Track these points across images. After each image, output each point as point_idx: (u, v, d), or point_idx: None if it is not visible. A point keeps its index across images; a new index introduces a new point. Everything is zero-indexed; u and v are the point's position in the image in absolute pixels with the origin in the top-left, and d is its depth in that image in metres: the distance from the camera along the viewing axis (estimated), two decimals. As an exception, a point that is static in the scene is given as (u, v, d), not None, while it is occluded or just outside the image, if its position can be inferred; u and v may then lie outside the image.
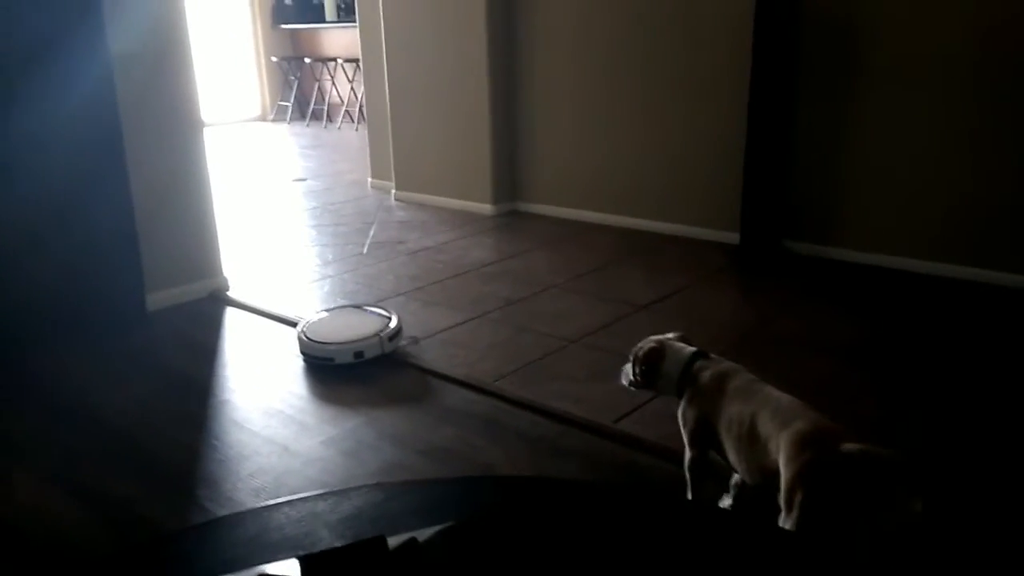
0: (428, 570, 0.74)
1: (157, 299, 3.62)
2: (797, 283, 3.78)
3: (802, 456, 1.51)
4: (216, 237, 3.86)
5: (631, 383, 1.98)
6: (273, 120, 10.69)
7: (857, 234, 3.98)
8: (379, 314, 3.19)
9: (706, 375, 1.82)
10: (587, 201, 4.97)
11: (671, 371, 1.89)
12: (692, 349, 1.90)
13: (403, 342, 3.12)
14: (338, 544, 0.79)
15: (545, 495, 1.17)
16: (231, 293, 3.85)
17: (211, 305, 3.73)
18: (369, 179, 6.19)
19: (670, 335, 1.98)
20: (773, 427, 1.60)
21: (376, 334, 3.02)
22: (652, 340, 1.95)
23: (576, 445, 2.44)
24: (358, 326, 3.08)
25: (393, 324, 3.09)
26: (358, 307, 3.34)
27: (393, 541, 0.76)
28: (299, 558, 0.73)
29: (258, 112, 10.93)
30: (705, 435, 1.82)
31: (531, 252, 4.41)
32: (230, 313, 3.66)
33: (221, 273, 3.89)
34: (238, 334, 3.45)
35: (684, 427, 1.89)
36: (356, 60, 8.00)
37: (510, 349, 3.14)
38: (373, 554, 0.72)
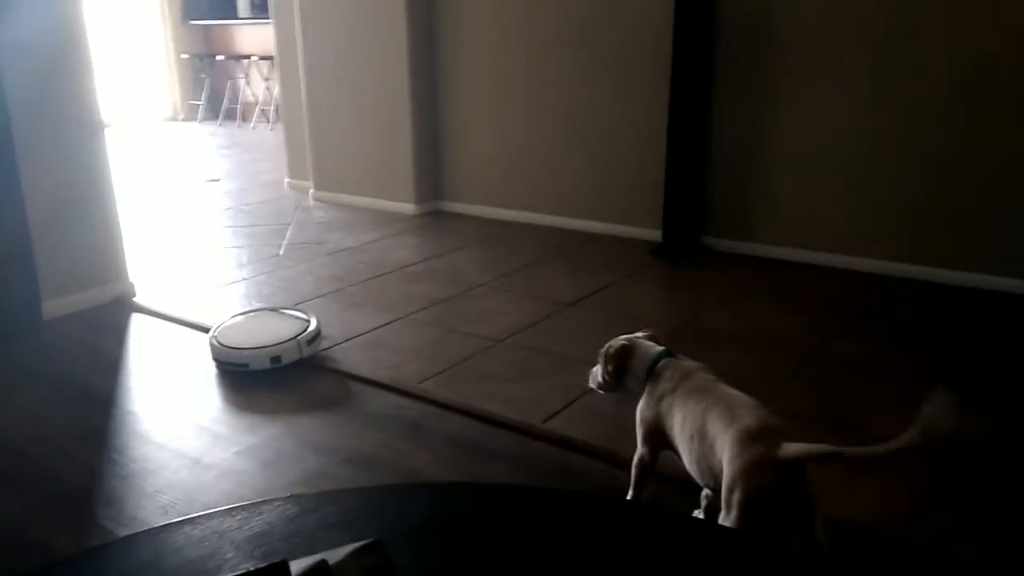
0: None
1: (54, 306, 3.38)
2: (719, 278, 3.81)
3: (743, 454, 1.47)
4: (120, 241, 3.63)
5: (599, 385, 1.92)
6: (184, 120, 10.26)
7: (773, 230, 4.05)
8: (297, 317, 3.04)
9: (667, 374, 1.77)
10: (511, 200, 4.91)
11: (638, 370, 1.83)
12: (660, 348, 1.86)
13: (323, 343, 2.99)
14: (246, 567, 0.69)
15: (473, 501, 1.09)
16: (137, 299, 3.63)
17: (115, 312, 3.50)
18: (286, 179, 5.98)
19: (639, 334, 1.92)
20: (721, 425, 1.56)
21: (294, 337, 2.87)
22: (622, 339, 1.90)
23: (506, 447, 2.36)
24: (274, 330, 2.92)
25: (312, 327, 2.96)
26: (274, 310, 3.18)
27: (303, 564, 0.67)
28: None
29: (169, 112, 10.48)
30: (658, 434, 1.77)
31: (456, 252, 4.32)
32: (136, 320, 3.44)
33: (127, 278, 3.66)
34: (144, 342, 3.24)
35: (639, 424, 1.83)
36: (271, 57, 7.75)
37: (436, 350, 3.05)
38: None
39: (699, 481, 1.68)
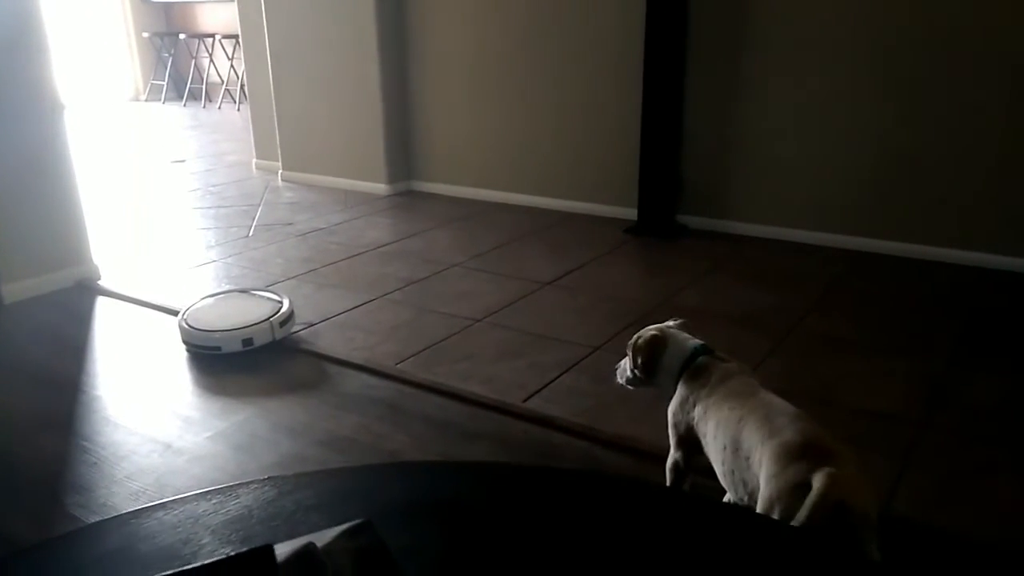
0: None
1: (15, 290, 3.27)
2: (694, 256, 3.81)
3: (784, 474, 1.33)
4: (82, 222, 3.53)
5: (628, 380, 1.77)
6: (147, 100, 10.02)
7: (747, 208, 4.05)
8: (269, 298, 2.98)
9: (704, 374, 1.63)
10: (485, 180, 4.86)
11: (671, 364, 1.68)
12: (696, 342, 1.70)
13: (297, 327, 2.93)
14: (223, 552, 0.65)
15: (457, 480, 1.05)
16: (102, 282, 3.53)
17: (79, 295, 3.40)
18: (254, 160, 5.86)
19: (670, 323, 1.76)
20: (758, 437, 1.42)
21: (266, 319, 2.81)
22: (652, 328, 1.74)
23: (486, 427, 2.33)
24: (246, 311, 2.86)
25: (284, 308, 2.89)
26: (245, 291, 3.11)
27: (289, 547, 0.63)
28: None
29: (132, 92, 10.23)
30: (693, 439, 1.64)
31: (430, 231, 4.27)
32: (101, 303, 3.34)
33: (90, 260, 3.56)
34: (110, 325, 3.15)
35: (672, 427, 1.70)
36: (235, 36, 7.57)
37: (412, 331, 3.00)
38: (255, 568, 0.58)
39: (731, 494, 1.54)
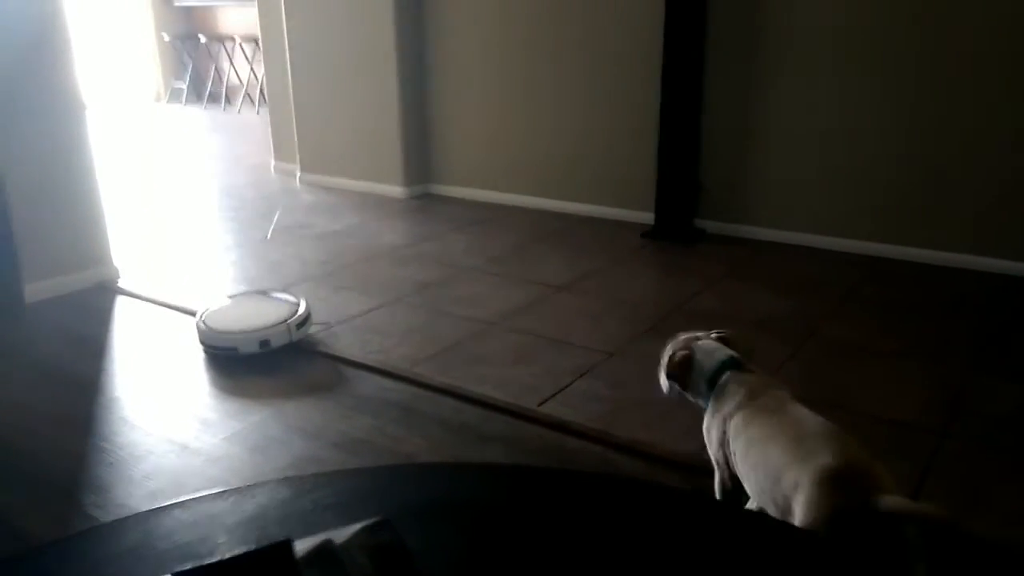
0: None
1: (37, 290, 3.31)
2: (711, 260, 3.79)
3: (826, 502, 1.25)
4: (103, 223, 3.57)
5: (668, 392, 1.70)
6: (168, 102, 10.12)
7: (765, 212, 4.02)
8: (286, 300, 2.99)
9: (731, 389, 1.56)
10: (502, 183, 4.86)
11: (699, 382, 1.61)
12: (725, 354, 1.61)
13: (315, 327, 2.94)
14: (240, 550, 0.65)
15: (475, 481, 1.05)
16: (122, 283, 3.56)
17: (99, 295, 3.44)
18: (272, 162, 5.90)
19: (712, 334, 1.67)
20: (793, 457, 1.34)
21: (283, 321, 2.83)
22: (682, 344, 1.65)
23: (500, 430, 2.33)
24: (263, 313, 2.87)
25: (301, 310, 2.91)
26: (263, 293, 3.13)
27: (307, 544, 0.63)
28: (172, 576, 0.59)
29: (152, 94, 10.33)
30: (727, 457, 1.57)
31: (446, 235, 4.27)
32: (121, 303, 3.38)
33: (110, 261, 3.60)
34: (130, 326, 3.18)
35: (708, 446, 1.62)
36: (255, 39, 7.62)
37: (428, 333, 3.01)
38: (273, 564, 0.58)
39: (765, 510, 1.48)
